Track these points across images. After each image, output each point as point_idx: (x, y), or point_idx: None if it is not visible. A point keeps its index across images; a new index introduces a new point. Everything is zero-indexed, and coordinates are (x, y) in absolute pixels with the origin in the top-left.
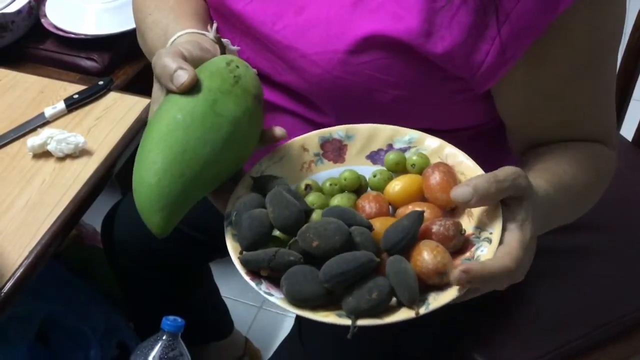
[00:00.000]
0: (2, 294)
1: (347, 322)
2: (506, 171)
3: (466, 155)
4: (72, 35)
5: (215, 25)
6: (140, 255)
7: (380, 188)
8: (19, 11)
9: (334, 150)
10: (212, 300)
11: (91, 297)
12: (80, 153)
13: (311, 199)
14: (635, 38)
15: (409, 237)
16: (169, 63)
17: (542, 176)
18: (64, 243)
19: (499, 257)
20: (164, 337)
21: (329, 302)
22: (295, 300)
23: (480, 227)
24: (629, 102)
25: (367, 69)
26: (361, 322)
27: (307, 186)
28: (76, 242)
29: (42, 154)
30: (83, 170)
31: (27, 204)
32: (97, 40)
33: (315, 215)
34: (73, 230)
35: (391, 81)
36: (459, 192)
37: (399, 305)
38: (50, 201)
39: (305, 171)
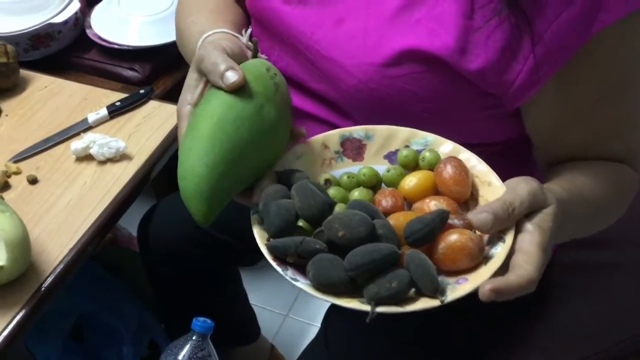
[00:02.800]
0: (43, 288)
1: (368, 308)
2: (524, 191)
3: (479, 159)
4: (116, 46)
5: (249, 30)
6: (173, 257)
7: (393, 183)
8: (65, 21)
9: (354, 149)
10: (240, 304)
11: (125, 296)
12: (120, 157)
13: (332, 192)
14: None
15: (429, 229)
16: (219, 61)
17: (559, 183)
18: (100, 243)
19: (523, 270)
20: (193, 338)
21: (351, 290)
22: (321, 285)
23: None
24: None
25: (401, 81)
26: (381, 309)
27: (327, 181)
28: (111, 244)
29: (85, 157)
30: (123, 174)
31: (68, 204)
32: (139, 51)
33: (338, 208)
34: (109, 234)
35: (424, 94)
36: (481, 218)
37: (419, 296)
38: (91, 202)
39: (326, 167)
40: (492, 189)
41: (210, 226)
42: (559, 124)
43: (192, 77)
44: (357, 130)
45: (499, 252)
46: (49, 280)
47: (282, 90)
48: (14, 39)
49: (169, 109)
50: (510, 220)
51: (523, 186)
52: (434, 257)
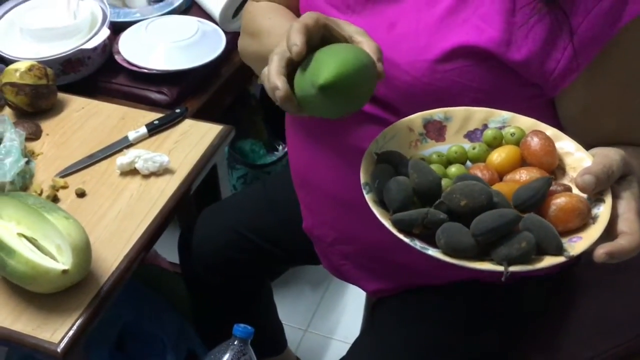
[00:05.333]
0: (102, 291)
1: (501, 268)
2: (614, 158)
3: (559, 131)
4: (145, 70)
5: None
6: (217, 263)
7: (479, 159)
8: (94, 48)
9: (435, 130)
10: (271, 315)
11: (164, 306)
12: (163, 171)
13: (433, 168)
14: None
15: (539, 195)
16: (373, 49)
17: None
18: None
19: (630, 236)
20: (235, 343)
21: (476, 255)
22: (454, 250)
23: None
24: None
25: (452, 75)
26: (513, 268)
27: (422, 159)
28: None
29: (129, 171)
30: (167, 186)
31: (118, 215)
32: (166, 75)
33: (445, 183)
34: None
35: (473, 86)
36: (585, 180)
37: (541, 256)
38: (140, 213)
39: (413, 148)
40: (575, 158)
41: (253, 234)
42: (590, 112)
43: (314, 15)
44: (437, 113)
45: (603, 211)
46: (108, 284)
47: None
48: (46, 64)
49: (204, 126)
50: (609, 182)
51: (614, 152)
52: (546, 219)
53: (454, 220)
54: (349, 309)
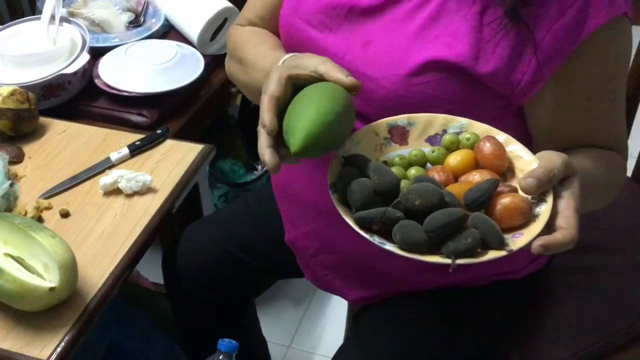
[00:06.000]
0: (89, 308)
1: (449, 261)
2: (557, 161)
3: (510, 137)
4: (125, 93)
5: None
6: (202, 279)
7: (437, 162)
8: (74, 72)
9: (399, 135)
10: (255, 331)
11: (150, 326)
12: (146, 190)
13: (394, 171)
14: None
15: (486, 196)
16: (333, 64)
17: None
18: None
19: (566, 231)
20: (220, 357)
21: (428, 250)
22: (408, 245)
23: None
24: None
25: (425, 87)
26: (459, 261)
27: (385, 162)
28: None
29: (112, 191)
30: (150, 205)
31: (102, 234)
32: (146, 97)
33: (403, 184)
34: None
35: (445, 97)
36: (527, 182)
37: (486, 250)
38: (124, 231)
39: (378, 151)
40: (524, 161)
41: (236, 248)
42: (557, 118)
43: (295, 61)
44: (401, 119)
45: (544, 210)
46: (95, 301)
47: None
48: (27, 89)
49: (185, 146)
50: (550, 184)
51: (556, 156)
52: (492, 217)
53: (409, 218)
54: (331, 324)
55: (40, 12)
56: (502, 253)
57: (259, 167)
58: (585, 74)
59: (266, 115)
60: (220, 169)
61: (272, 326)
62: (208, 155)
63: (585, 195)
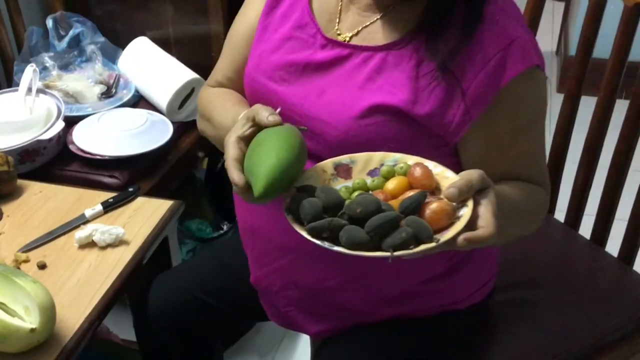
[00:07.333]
0: (66, 349)
1: (387, 254)
2: (474, 175)
3: (436, 163)
4: (98, 157)
5: (279, 109)
6: (168, 325)
7: (377, 189)
8: (50, 139)
9: (344, 171)
10: None
11: None
12: (119, 243)
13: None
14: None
15: (416, 203)
16: (270, 111)
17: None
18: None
19: (485, 229)
20: None
21: (371, 248)
22: (352, 244)
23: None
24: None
25: (371, 128)
26: (397, 253)
27: None
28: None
29: (87, 244)
30: (123, 255)
31: (77, 282)
32: (117, 160)
33: (347, 202)
34: None
35: (389, 137)
36: (450, 191)
37: (418, 244)
38: (98, 280)
39: (326, 185)
40: (449, 180)
41: (204, 294)
42: (485, 156)
43: (241, 122)
44: (344, 158)
45: (465, 212)
46: (71, 343)
47: (302, 136)
48: (6, 154)
49: (155, 202)
50: (469, 192)
51: (474, 171)
52: (424, 220)
53: (353, 225)
54: None
55: (17, 85)
56: (432, 245)
57: (225, 225)
58: (506, 117)
59: (234, 175)
60: (188, 228)
61: None
62: (177, 210)
63: (506, 214)
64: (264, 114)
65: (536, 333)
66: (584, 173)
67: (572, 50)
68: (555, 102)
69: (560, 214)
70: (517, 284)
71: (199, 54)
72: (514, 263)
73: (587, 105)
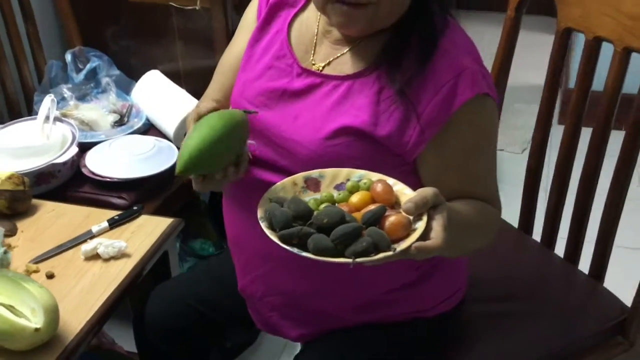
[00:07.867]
0: (67, 350)
1: (349, 260)
2: (429, 192)
3: (396, 180)
4: (107, 179)
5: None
6: (166, 333)
7: (342, 201)
8: (64, 162)
9: (313, 185)
10: None
11: None
12: (121, 255)
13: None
14: None
15: (377, 215)
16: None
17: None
18: (89, 346)
19: (434, 240)
20: None
21: (336, 255)
22: (319, 251)
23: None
24: None
25: (338, 148)
26: (358, 259)
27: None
28: (96, 349)
29: (92, 257)
30: (124, 267)
31: (81, 290)
32: (125, 182)
33: (315, 213)
34: (94, 339)
35: (353, 156)
36: (407, 206)
37: (378, 252)
38: (100, 289)
39: (297, 196)
40: (407, 196)
41: (199, 304)
42: (440, 175)
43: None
44: (314, 173)
45: (420, 224)
46: (73, 344)
47: (242, 124)
48: (22, 176)
49: (157, 220)
50: (424, 207)
51: (429, 189)
52: (383, 231)
53: (320, 233)
54: None
55: (36, 113)
56: (390, 253)
57: (227, 245)
58: (457, 139)
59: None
60: (192, 248)
61: None
62: (177, 227)
63: (457, 228)
64: (201, 104)
65: (509, 341)
66: (581, 200)
67: (572, 83)
68: (555, 133)
69: (561, 242)
70: (492, 297)
71: (206, 86)
72: (491, 278)
73: (587, 136)
